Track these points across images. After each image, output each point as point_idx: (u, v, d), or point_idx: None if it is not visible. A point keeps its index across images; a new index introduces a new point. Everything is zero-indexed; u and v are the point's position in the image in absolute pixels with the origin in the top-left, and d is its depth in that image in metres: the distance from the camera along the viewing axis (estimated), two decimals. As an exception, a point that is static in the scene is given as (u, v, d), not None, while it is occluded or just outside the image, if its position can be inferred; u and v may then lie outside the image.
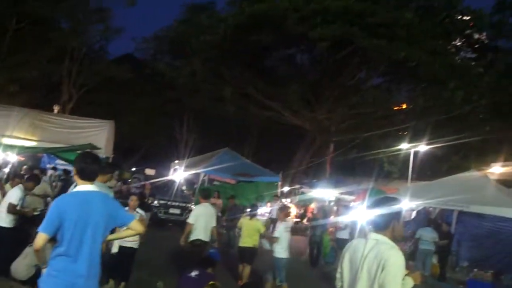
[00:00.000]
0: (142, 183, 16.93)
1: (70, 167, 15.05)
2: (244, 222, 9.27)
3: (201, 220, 8.16)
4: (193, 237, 8.11)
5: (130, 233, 3.77)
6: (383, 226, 3.13)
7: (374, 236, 3.12)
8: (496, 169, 21.53)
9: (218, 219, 16.44)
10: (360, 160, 30.40)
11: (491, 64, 25.94)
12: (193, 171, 18.45)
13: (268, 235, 9.22)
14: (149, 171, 29.57)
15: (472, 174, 14.04)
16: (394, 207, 3.17)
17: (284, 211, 9.01)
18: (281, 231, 8.41)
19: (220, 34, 22.66)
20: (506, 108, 29.85)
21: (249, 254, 8.93)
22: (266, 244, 9.39)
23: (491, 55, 27.34)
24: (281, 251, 8.31)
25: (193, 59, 24.32)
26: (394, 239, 3.12)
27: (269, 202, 17.02)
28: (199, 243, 8.07)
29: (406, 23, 19.88)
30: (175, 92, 29.01)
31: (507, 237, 12.60)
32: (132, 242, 7.21)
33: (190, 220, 8.22)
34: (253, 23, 21.68)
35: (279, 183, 18.07)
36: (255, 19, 21.46)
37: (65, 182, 14.41)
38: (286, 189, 24.38)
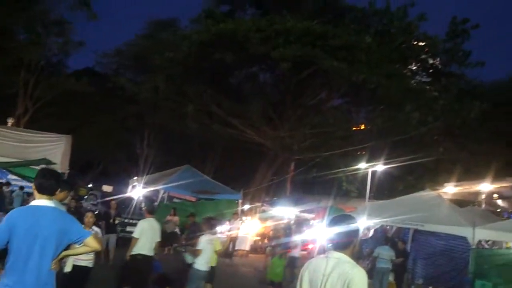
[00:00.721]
0: (107, 199, 16.39)
1: (24, 183, 14.51)
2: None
3: (146, 235, 8.25)
4: (136, 251, 8.20)
5: (85, 249, 3.70)
6: (344, 244, 3.14)
7: (335, 255, 3.11)
8: (449, 189, 22.38)
9: (177, 237, 16.27)
10: (320, 179, 30.84)
11: (444, 88, 27.14)
12: (152, 188, 18.15)
13: (191, 249, 9.17)
14: (107, 188, 28.82)
15: (427, 193, 14.48)
16: (353, 225, 3.19)
17: (207, 224, 9.01)
18: (204, 243, 8.36)
19: (184, 51, 22.66)
20: (458, 130, 31.22)
21: (209, 273, 8.85)
22: (188, 258, 9.30)
23: (444, 80, 28.61)
24: (202, 263, 8.26)
25: (156, 75, 24.17)
26: (353, 257, 3.14)
27: (229, 220, 16.93)
28: (140, 257, 8.17)
29: (366, 47, 20.57)
30: (137, 108, 28.63)
31: (459, 255, 13.01)
32: (86, 260, 6.98)
33: (135, 234, 8.30)
34: (217, 42, 21.83)
35: (240, 201, 18.03)
36: (219, 37, 21.63)
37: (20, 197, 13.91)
38: (246, 207, 24.36)
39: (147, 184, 18.42)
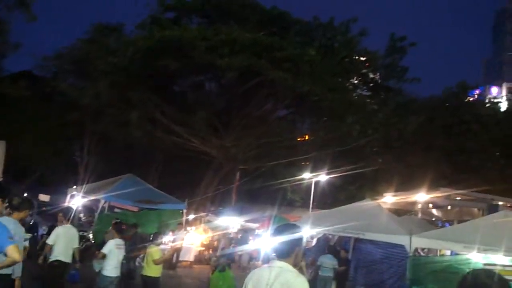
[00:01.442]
0: (53, 209, 15.53)
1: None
2: (148, 251, 9.07)
3: (61, 241, 8.33)
4: (52, 257, 8.24)
5: (6, 261, 3.52)
6: (286, 253, 3.16)
7: (278, 264, 3.12)
8: (388, 199, 23.27)
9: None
10: (266, 188, 31.11)
11: (383, 102, 28.37)
12: (92, 197, 17.46)
13: (99, 254, 9.01)
14: (44, 197, 27.45)
15: (367, 203, 14.92)
16: (296, 234, 3.22)
17: (115, 227, 9.02)
18: (111, 247, 8.30)
19: (128, 57, 22.16)
20: (396, 143, 32.67)
21: (151, 283, 8.72)
22: (96, 265, 9.16)
23: (383, 94, 29.92)
24: (109, 268, 8.20)
25: (99, 80, 23.43)
26: (295, 266, 3.16)
27: (173, 230, 16.61)
28: (56, 263, 8.20)
29: (310, 60, 21.09)
30: (77, 114, 27.55)
31: (397, 262, 13.51)
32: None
33: (49, 241, 8.40)
34: (162, 49, 21.55)
35: (184, 210, 17.75)
36: (164, 44, 21.36)
37: None
38: (191, 217, 24.04)
39: (86, 193, 17.69)
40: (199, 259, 17.97)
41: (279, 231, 3.25)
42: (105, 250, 8.22)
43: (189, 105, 24.74)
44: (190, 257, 18.30)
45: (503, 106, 46.98)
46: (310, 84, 21.25)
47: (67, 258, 8.35)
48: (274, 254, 3.27)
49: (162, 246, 9.69)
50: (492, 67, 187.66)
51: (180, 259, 16.98)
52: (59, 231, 8.48)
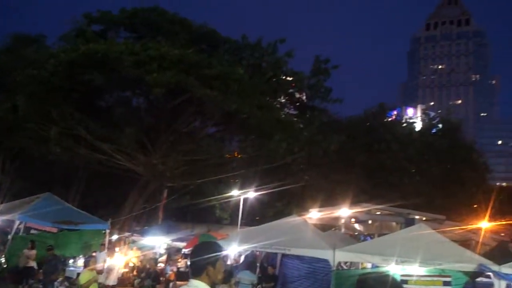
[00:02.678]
0: None
1: None
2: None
3: None
4: None
5: None
6: (197, 271, 3.24)
7: (194, 283, 3.22)
8: (314, 214, 23.93)
9: (34, 273, 14.73)
10: (194, 206, 30.72)
11: (309, 121, 29.34)
12: (6, 218, 16.27)
13: None
14: None
15: (293, 219, 15.25)
16: (209, 251, 3.28)
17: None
18: None
19: (49, 70, 21.10)
20: (321, 160, 33.84)
21: None
22: None
23: (309, 113, 30.97)
24: None
25: (16, 93, 22.04)
26: (213, 283, 3.24)
27: (95, 251, 15.86)
28: None
29: (238, 78, 21.35)
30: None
31: (322, 277, 13.87)
32: None
33: None
34: (87, 62, 20.79)
35: (107, 231, 17.03)
36: (89, 57, 20.64)
37: None
38: (115, 237, 23.09)
39: (0, 213, 16.47)
40: (123, 281, 17.22)
41: (193, 249, 3.36)
42: None
43: (116, 121, 23.95)
44: (114, 280, 17.53)
45: (418, 126, 50.44)
46: (239, 102, 21.49)
47: None
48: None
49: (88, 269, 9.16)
50: (408, 90, 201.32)
51: (100, 281, 16.18)
52: None
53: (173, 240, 24.26)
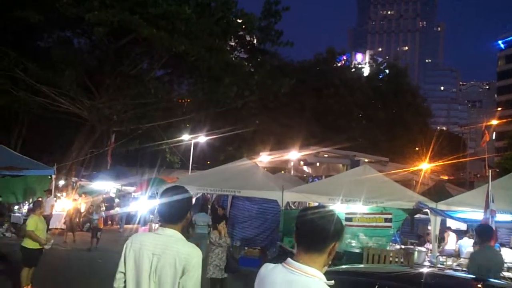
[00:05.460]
0: None
1: None
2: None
3: None
4: None
5: None
6: (177, 218, 2.89)
7: (168, 232, 2.84)
8: (264, 158, 24.38)
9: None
10: (143, 151, 30.32)
11: (259, 64, 29.04)
12: None
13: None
14: None
15: (244, 162, 15.46)
16: (187, 197, 2.95)
17: None
18: None
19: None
20: (271, 104, 34.02)
21: (27, 255, 8.27)
22: None
23: (260, 56, 30.61)
24: None
25: None
26: (183, 230, 2.94)
27: (40, 197, 15.45)
28: None
29: (186, 18, 20.45)
30: None
31: (271, 217, 14.37)
32: None
33: None
34: (20, -2, 19.22)
35: (53, 176, 16.55)
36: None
37: None
38: (61, 182, 22.56)
39: None
40: (72, 227, 17.00)
41: (167, 193, 2.89)
42: None
43: (56, 63, 22.61)
44: (62, 224, 17.34)
45: (366, 72, 51.46)
46: (186, 43, 20.77)
47: None
48: (160, 219, 2.99)
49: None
50: (357, 35, 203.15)
51: (51, 227, 15.92)
52: None
53: (123, 185, 24.08)
